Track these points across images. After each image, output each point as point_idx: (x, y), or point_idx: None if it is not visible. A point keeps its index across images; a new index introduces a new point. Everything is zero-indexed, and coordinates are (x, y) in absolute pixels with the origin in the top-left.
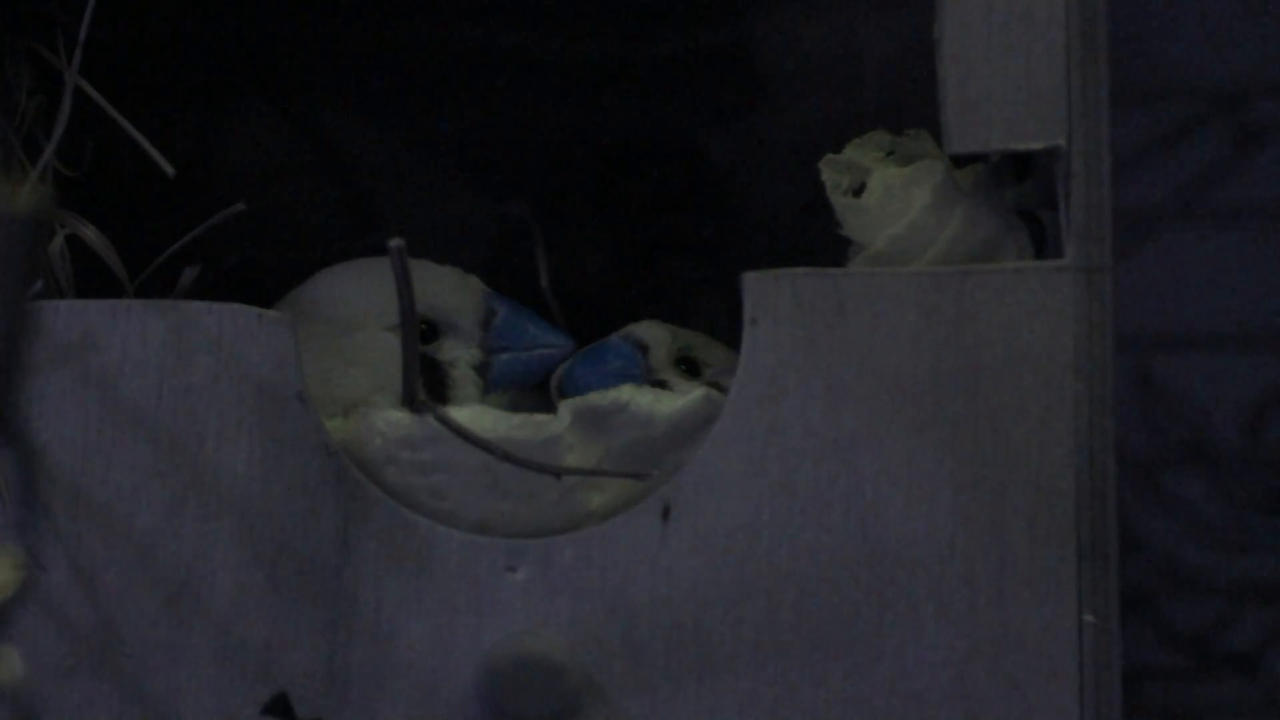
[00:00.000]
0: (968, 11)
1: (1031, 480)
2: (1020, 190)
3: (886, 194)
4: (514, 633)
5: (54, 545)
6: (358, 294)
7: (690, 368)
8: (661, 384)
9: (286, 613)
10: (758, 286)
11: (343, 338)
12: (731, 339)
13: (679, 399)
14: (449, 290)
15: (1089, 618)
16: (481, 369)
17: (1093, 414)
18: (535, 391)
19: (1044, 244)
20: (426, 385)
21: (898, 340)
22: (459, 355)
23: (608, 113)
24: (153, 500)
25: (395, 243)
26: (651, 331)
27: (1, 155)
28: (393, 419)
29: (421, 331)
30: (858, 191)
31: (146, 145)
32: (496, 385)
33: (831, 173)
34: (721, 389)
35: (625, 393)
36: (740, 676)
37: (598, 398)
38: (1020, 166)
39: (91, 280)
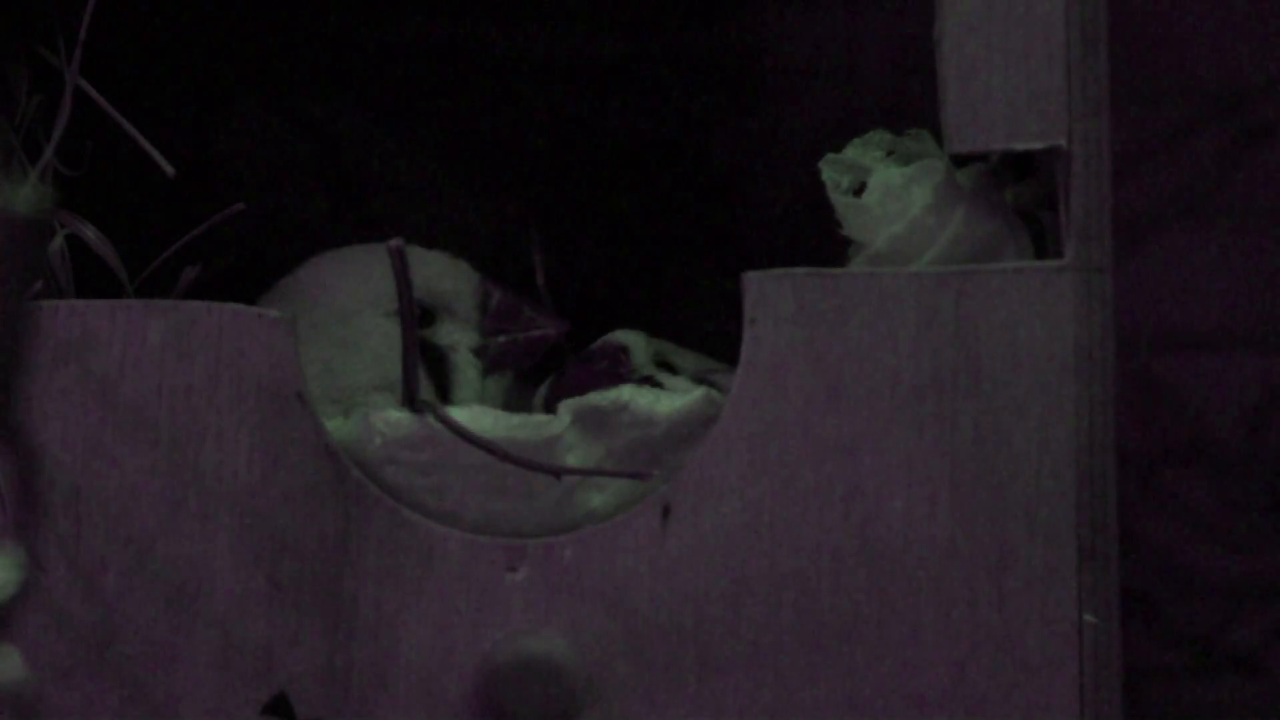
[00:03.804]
0: (968, 11)
1: (1031, 480)
2: (1020, 190)
3: (886, 194)
4: (514, 633)
5: (54, 545)
6: (352, 280)
7: (669, 370)
8: (648, 379)
9: (286, 613)
10: (758, 286)
11: (340, 326)
12: (732, 339)
13: (679, 399)
14: (443, 274)
15: (1089, 618)
16: (480, 352)
17: (1093, 414)
18: (532, 385)
19: (1044, 244)
20: (426, 370)
21: (898, 340)
22: (457, 339)
23: (608, 113)
24: (153, 500)
25: (395, 243)
26: (628, 337)
27: (2, 155)
28: (393, 419)
29: (419, 316)
30: (858, 191)
31: (146, 145)
32: (495, 368)
33: (831, 173)
34: (721, 389)
35: (625, 392)
36: (740, 676)
37: (598, 398)
38: (1020, 166)
39: (91, 280)
